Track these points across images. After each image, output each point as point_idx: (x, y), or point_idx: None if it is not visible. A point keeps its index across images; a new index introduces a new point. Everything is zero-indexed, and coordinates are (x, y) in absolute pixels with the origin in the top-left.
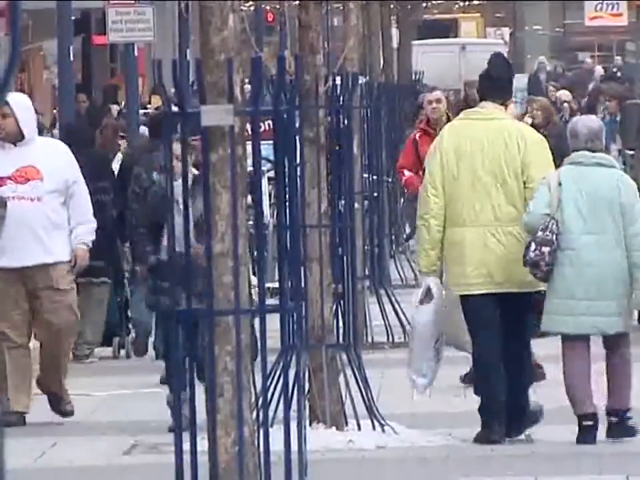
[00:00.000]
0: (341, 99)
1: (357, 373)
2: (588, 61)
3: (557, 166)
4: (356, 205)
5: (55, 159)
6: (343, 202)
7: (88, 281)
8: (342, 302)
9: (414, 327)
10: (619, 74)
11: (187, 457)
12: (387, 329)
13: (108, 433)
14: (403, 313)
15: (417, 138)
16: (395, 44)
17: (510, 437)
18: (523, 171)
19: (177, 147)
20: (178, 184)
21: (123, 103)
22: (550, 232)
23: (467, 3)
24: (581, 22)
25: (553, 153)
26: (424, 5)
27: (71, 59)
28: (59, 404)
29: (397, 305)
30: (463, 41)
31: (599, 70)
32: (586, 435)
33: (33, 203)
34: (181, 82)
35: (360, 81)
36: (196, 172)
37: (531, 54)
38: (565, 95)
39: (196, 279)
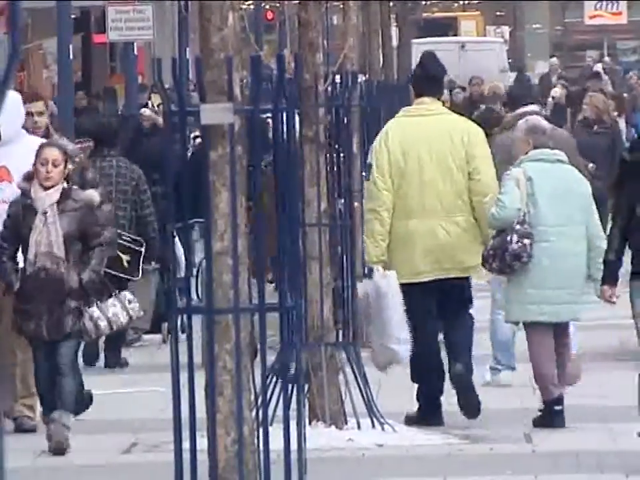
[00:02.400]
0: (341, 97)
1: (356, 371)
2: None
3: (612, 161)
4: (355, 204)
5: (29, 159)
6: (343, 201)
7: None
8: (341, 300)
9: (384, 295)
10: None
11: (186, 456)
12: None
13: (108, 431)
14: None
15: None
16: (394, 42)
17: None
18: (468, 162)
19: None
20: (46, 194)
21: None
22: (528, 225)
23: (466, 1)
24: (581, 20)
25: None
26: (424, 3)
27: (71, 57)
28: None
29: None
30: (463, 39)
31: (598, 68)
32: (557, 418)
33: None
34: (181, 81)
35: (359, 80)
36: (65, 185)
37: (531, 53)
38: (553, 91)
39: (43, 303)
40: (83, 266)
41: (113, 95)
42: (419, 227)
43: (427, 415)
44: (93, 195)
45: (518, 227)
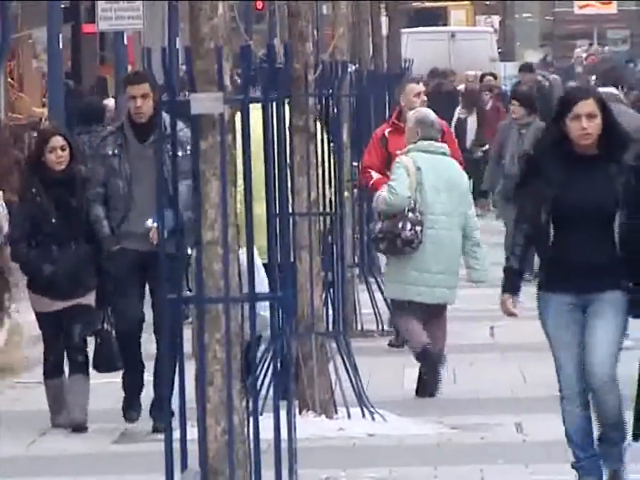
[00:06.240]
0: (331, 87)
1: (346, 360)
2: (577, 51)
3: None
4: (345, 193)
5: None
6: (333, 190)
7: None
8: (331, 290)
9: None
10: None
11: (177, 445)
12: (376, 316)
13: (98, 421)
14: None
15: (386, 134)
16: (384, 32)
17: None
18: None
19: None
20: None
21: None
22: (419, 212)
23: None
24: (571, 10)
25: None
26: None
27: (60, 47)
28: None
29: None
30: (453, 29)
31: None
32: (427, 364)
33: None
34: (171, 70)
35: (349, 69)
36: None
37: (521, 42)
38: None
39: None
40: None
41: (104, 85)
42: None
43: None
44: None
45: (410, 214)
